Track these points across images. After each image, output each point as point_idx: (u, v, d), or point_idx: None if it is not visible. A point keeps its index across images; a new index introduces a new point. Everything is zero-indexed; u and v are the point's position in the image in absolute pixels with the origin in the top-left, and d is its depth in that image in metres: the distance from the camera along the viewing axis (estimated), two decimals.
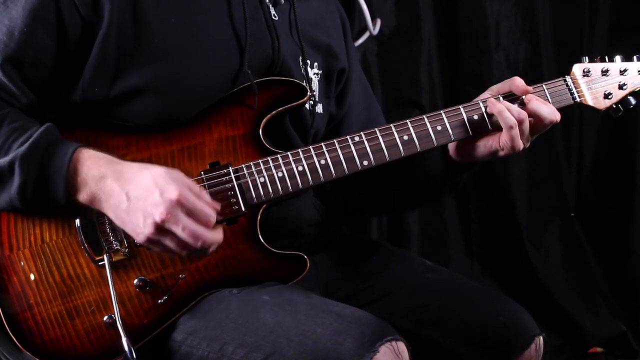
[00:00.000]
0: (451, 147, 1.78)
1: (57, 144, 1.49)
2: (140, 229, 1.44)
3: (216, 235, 1.49)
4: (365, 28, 2.75)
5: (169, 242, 1.45)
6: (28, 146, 1.46)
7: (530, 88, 1.71)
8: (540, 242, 3.16)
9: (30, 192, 1.47)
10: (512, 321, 1.76)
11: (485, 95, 1.75)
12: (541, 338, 1.77)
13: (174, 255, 1.52)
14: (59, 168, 1.46)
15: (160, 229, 1.43)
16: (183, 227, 1.43)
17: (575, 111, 3.11)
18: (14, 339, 1.51)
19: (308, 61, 1.83)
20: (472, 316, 1.77)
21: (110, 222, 1.54)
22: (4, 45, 1.54)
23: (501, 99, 1.71)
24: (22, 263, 1.53)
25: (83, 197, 1.48)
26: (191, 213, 1.44)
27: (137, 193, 1.44)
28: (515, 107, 1.66)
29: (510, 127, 1.65)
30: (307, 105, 1.81)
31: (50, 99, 1.61)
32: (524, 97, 1.70)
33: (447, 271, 1.96)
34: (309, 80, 1.82)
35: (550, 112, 1.69)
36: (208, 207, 1.47)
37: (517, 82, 1.71)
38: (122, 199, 1.45)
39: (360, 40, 2.74)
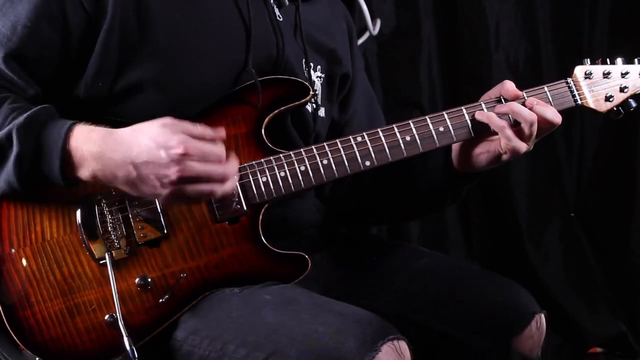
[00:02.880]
0: (454, 157, 1.77)
1: (54, 118, 1.48)
2: (159, 191, 1.43)
3: (232, 167, 1.48)
4: (365, 28, 2.75)
5: (191, 192, 1.44)
6: (25, 117, 1.46)
7: (520, 93, 1.70)
8: (540, 242, 3.16)
9: (26, 164, 1.45)
10: (510, 300, 1.75)
11: (487, 95, 1.75)
12: (542, 315, 1.75)
13: (200, 200, 1.53)
14: (56, 140, 1.45)
15: (179, 184, 1.42)
16: (200, 174, 1.43)
17: (576, 112, 3.11)
18: (15, 337, 1.51)
19: (311, 64, 1.82)
20: (469, 299, 1.76)
21: (112, 221, 1.54)
22: (6, 40, 1.54)
23: (503, 101, 1.70)
24: (22, 261, 1.53)
25: (84, 173, 1.46)
26: (202, 157, 1.43)
27: (142, 158, 1.42)
28: (524, 109, 1.66)
29: (503, 127, 1.65)
30: (309, 109, 1.81)
31: (55, 94, 1.60)
32: (525, 101, 1.69)
33: (442, 256, 1.95)
34: (312, 83, 1.82)
35: (553, 115, 1.69)
36: (214, 145, 1.45)
37: (507, 86, 1.70)
38: (130, 169, 1.43)
39: (360, 40, 2.74)
